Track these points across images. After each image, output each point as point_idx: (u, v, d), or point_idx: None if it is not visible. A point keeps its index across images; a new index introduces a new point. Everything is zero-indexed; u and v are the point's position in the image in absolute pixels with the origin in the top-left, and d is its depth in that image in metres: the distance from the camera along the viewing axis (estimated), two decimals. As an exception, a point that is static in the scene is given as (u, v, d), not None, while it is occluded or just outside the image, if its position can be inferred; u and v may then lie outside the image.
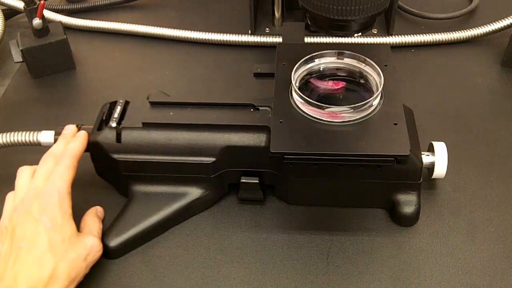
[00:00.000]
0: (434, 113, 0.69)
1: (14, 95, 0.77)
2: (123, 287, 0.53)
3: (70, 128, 0.58)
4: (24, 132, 0.60)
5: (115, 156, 0.56)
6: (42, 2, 0.73)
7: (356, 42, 0.79)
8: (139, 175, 0.58)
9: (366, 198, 0.58)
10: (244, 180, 0.57)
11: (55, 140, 0.58)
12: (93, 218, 0.56)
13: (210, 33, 0.83)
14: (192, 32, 0.83)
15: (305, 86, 0.57)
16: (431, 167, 0.57)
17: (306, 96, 0.53)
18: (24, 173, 0.54)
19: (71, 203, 0.52)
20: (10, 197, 0.53)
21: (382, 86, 0.53)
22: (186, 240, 0.57)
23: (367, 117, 0.52)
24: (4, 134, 0.61)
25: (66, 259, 0.49)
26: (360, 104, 0.52)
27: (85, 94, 0.77)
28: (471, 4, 0.87)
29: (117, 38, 0.86)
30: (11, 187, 0.54)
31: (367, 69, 0.57)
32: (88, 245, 0.52)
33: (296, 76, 0.56)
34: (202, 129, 0.56)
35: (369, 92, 0.56)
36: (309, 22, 0.65)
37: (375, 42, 0.80)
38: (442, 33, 0.80)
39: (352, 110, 0.52)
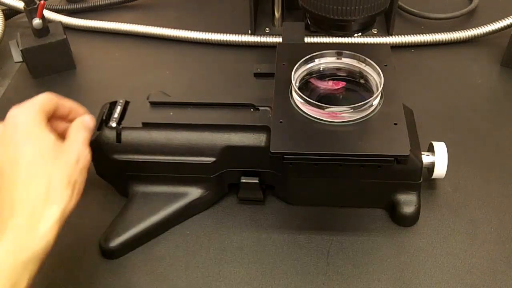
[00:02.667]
0: (434, 113, 0.69)
1: (14, 95, 0.77)
2: (123, 287, 0.53)
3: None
4: (24, 132, 0.60)
5: (115, 156, 0.56)
6: (42, 2, 0.73)
7: (356, 42, 0.79)
8: (139, 175, 0.58)
9: (366, 198, 0.58)
10: (244, 180, 0.57)
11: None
12: (76, 128, 0.51)
13: (210, 33, 0.83)
14: (192, 32, 0.83)
15: (305, 86, 0.57)
16: (431, 167, 0.57)
17: (306, 96, 0.53)
18: None
19: (45, 122, 0.48)
20: None
21: (382, 86, 0.53)
22: (186, 240, 0.57)
23: (367, 117, 0.52)
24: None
25: (58, 165, 0.46)
26: (360, 104, 0.52)
27: (85, 94, 0.77)
28: (471, 4, 0.87)
29: (117, 38, 0.86)
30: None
31: (367, 69, 0.57)
32: (74, 150, 0.48)
33: (296, 76, 0.56)
34: (202, 129, 0.56)
35: (369, 92, 0.56)
36: (309, 22, 0.65)
37: (375, 42, 0.80)
38: (442, 33, 0.80)
39: (352, 110, 0.52)
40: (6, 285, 0.40)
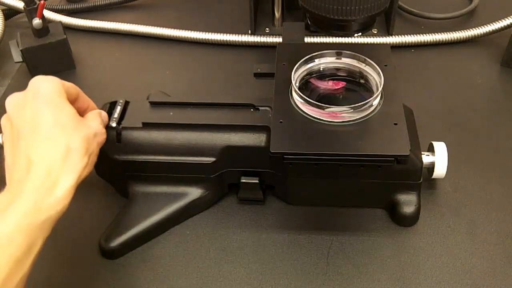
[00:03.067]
0: (434, 113, 0.69)
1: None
2: (123, 287, 0.53)
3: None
4: (24, 132, 0.60)
5: (115, 156, 0.56)
6: (42, 2, 0.73)
7: (356, 42, 0.79)
8: (139, 175, 0.58)
9: (366, 198, 0.58)
10: (244, 180, 0.57)
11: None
12: (95, 113, 0.53)
13: (210, 33, 0.83)
14: (192, 32, 0.83)
15: (305, 86, 0.57)
16: (431, 167, 0.57)
17: (306, 96, 0.53)
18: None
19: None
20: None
21: (382, 86, 0.53)
22: (186, 240, 0.57)
23: (367, 117, 0.52)
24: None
25: (77, 133, 0.47)
26: (360, 104, 0.52)
27: (85, 94, 0.77)
28: (471, 4, 0.87)
29: (117, 38, 0.86)
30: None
31: (367, 69, 0.57)
32: (93, 125, 0.50)
33: (296, 76, 0.56)
34: (202, 129, 0.56)
35: (369, 92, 0.56)
36: (309, 22, 0.65)
37: (375, 42, 0.80)
38: (442, 33, 0.80)
39: (352, 110, 0.52)
40: (23, 245, 0.41)
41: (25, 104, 0.47)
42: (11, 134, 0.47)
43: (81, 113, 0.52)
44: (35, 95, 0.47)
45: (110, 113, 0.58)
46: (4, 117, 0.49)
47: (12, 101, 0.49)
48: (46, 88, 0.48)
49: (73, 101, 0.51)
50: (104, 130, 0.52)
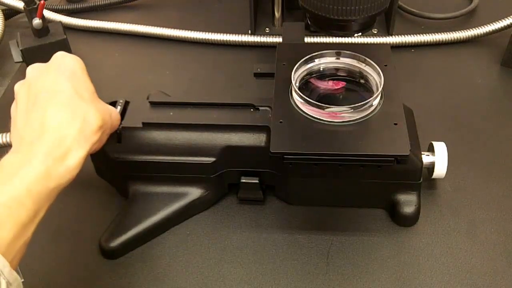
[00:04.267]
0: (434, 113, 0.69)
1: (14, 95, 0.77)
2: (123, 287, 0.53)
3: None
4: (24, 132, 0.60)
5: (115, 156, 0.56)
6: (42, 2, 0.73)
7: (356, 42, 0.79)
8: (139, 175, 0.58)
9: (366, 198, 0.58)
10: (244, 180, 0.57)
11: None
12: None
13: (210, 33, 0.83)
14: (192, 32, 0.83)
15: (305, 86, 0.57)
16: (431, 167, 0.57)
17: (306, 96, 0.53)
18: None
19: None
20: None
21: (382, 86, 0.53)
22: (186, 240, 0.57)
23: (367, 117, 0.52)
24: (4, 134, 0.61)
25: (95, 107, 0.47)
26: (360, 104, 0.52)
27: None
28: (471, 4, 0.87)
29: (117, 38, 0.86)
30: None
31: (367, 69, 0.57)
32: (109, 106, 0.51)
33: (296, 76, 0.56)
34: (202, 129, 0.56)
35: (369, 92, 0.56)
36: (309, 22, 0.65)
37: (375, 42, 0.80)
38: (442, 33, 0.80)
39: (352, 110, 0.52)
40: (31, 210, 0.41)
41: (47, 72, 0.48)
42: (27, 97, 0.47)
43: None
44: (58, 66, 0.48)
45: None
46: (20, 82, 0.49)
47: (34, 68, 0.49)
48: (69, 61, 0.49)
49: None
50: (119, 116, 0.54)
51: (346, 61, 0.58)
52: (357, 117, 0.52)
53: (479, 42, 0.81)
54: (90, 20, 0.87)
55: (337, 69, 0.59)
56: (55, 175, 0.43)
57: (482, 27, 0.79)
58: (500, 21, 0.78)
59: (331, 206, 0.59)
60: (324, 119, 0.52)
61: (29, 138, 0.44)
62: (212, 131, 0.56)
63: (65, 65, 0.49)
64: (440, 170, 0.57)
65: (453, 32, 0.80)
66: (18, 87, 0.49)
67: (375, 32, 0.81)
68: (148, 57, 0.83)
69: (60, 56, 0.50)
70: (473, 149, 0.65)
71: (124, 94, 0.61)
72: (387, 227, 0.57)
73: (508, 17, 0.78)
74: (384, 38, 0.80)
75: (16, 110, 0.47)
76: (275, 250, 0.56)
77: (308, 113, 0.53)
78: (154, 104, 0.59)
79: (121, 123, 0.57)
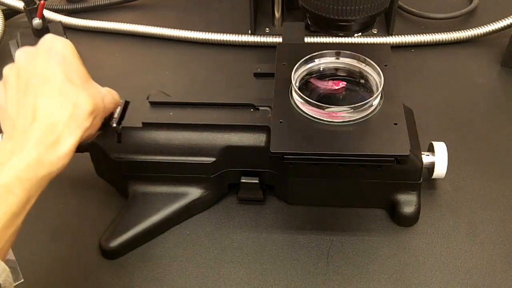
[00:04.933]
0: (434, 113, 0.69)
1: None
2: (123, 287, 0.53)
3: None
4: (24, 132, 0.60)
5: (115, 156, 0.56)
6: (42, 2, 0.73)
7: (356, 42, 0.79)
8: (139, 175, 0.58)
9: (366, 198, 0.58)
10: (244, 180, 0.57)
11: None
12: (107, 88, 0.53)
13: (210, 33, 0.83)
14: (192, 32, 0.83)
15: (305, 86, 0.57)
16: (431, 167, 0.57)
17: (306, 96, 0.53)
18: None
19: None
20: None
21: (382, 86, 0.53)
22: (186, 240, 0.57)
23: (367, 117, 0.52)
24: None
25: (86, 92, 0.46)
26: (360, 104, 0.52)
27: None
28: (471, 4, 0.87)
29: (117, 38, 0.86)
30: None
31: (367, 69, 0.57)
32: (102, 89, 0.50)
33: (296, 76, 0.56)
34: (202, 129, 0.56)
35: (369, 92, 0.56)
36: (309, 22, 0.65)
37: (375, 42, 0.80)
38: (442, 33, 0.80)
39: (352, 110, 0.52)
40: (21, 198, 0.41)
41: (37, 57, 0.46)
42: (17, 83, 0.46)
43: None
44: (49, 50, 0.47)
45: (110, 113, 0.58)
46: (9, 66, 0.48)
47: (23, 52, 0.48)
48: (60, 45, 0.48)
49: None
50: (114, 98, 0.52)
51: (346, 61, 0.58)
52: (357, 117, 0.52)
53: (479, 42, 0.81)
54: (90, 20, 0.87)
55: (337, 69, 0.59)
56: (47, 162, 0.42)
57: (482, 27, 0.79)
58: (500, 21, 0.78)
59: (331, 206, 0.59)
60: (324, 119, 0.52)
61: (21, 126, 0.43)
62: (212, 131, 0.56)
63: (55, 49, 0.47)
64: (440, 170, 0.57)
65: (453, 32, 0.80)
66: (7, 71, 0.47)
67: (375, 32, 0.81)
68: (148, 57, 0.83)
69: (49, 40, 0.48)
70: (473, 149, 0.65)
71: (124, 94, 0.61)
72: (387, 227, 0.57)
73: (508, 17, 0.78)
74: (384, 38, 0.80)
75: (6, 96, 0.46)
76: (275, 250, 0.56)
77: (308, 113, 0.53)
78: (154, 104, 0.59)
79: (121, 124, 0.57)
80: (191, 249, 0.56)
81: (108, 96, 0.51)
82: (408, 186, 0.56)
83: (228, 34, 0.82)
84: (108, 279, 0.54)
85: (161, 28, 0.84)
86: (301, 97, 0.53)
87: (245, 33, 0.82)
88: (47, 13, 0.86)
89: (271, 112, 0.55)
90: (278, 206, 0.60)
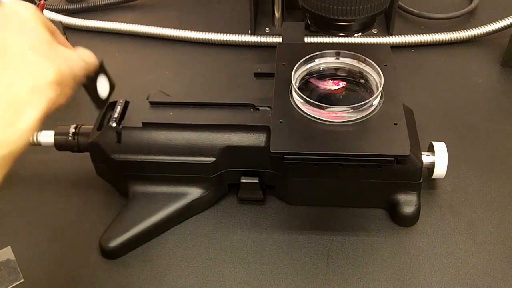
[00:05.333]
0: (434, 113, 0.69)
1: None
2: (123, 287, 0.53)
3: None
4: (24, 132, 0.60)
5: (115, 156, 0.56)
6: (42, 2, 0.73)
7: (356, 42, 0.79)
8: (139, 175, 0.58)
9: (366, 198, 0.58)
10: (244, 180, 0.57)
11: (55, 140, 0.58)
12: (72, 48, 0.47)
13: (210, 33, 0.83)
14: (192, 32, 0.83)
15: (305, 86, 0.57)
16: (431, 167, 0.57)
17: (306, 96, 0.53)
18: None
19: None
20: None
21: (382, 86, 0.53)
22: (186, 240, 0.57)
23: (367, 117, 0.52)
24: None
25: (49, 61, 0.41)
26: (360, 104, 0.52)
27: (85, 94, 0.77)
28: (471, 4, 0.87)
29: (117, 38, 0.86)
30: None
31: (367, 69, 0.57)
32: (69, 55, 0.43)
33: (296, 76, 0.56)
34: (202, 129, 0.56)
35: (369, 92, 0.56)
36: (309, 22, 0.65)
37: (375, 42, 0.80)
38: (442, 33, 0.80)
39: (352, 110, 0.52)
40: None
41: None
42: None
43: None
44: (7, 19, 0.42)
45: (110, 113, 0.58)
46: None
47: None
48: (19, 11, 0.42)
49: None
50: (84, 64, 0.46)
51: (346, 61, 0.58)
52: (357, 117, 0.52)
53: (479, 42, 0.81)
54: (90, 20, 0.87)
55: (337, 69, 0.59)
56: (8, 141, 0.38)
57: (482, 27, 0.79)
58: (500, 21, 0.78)
59: (331, 206, 0.59)
60: (324, 119, 0.52)
61: None
62: (212, 131, 0.56)
63: (15, 16, 0.42)
64: (440, 170, 0.57)
65: (453, 32, 0.80)
66: None
67: (375, 32, 0.81)
68: (148, 57, 0.83)
69: (8, 6, 0.43)
70: (473, 149, 0.65)
71: (124, 94, 0.61)
72: (387, 227, 0.57)
73: (508, 17, 0.78)
74: (384, 38, 0.80)
75: None
76: (275, 250, 0.56)
77: (308, 113, 0.53)
78: (154, 104, 0.59)
79: (121, 124, 0.57)
80: (191, 249, 0.56)
81: (77, 61, 0.45)
82: (408, 186, 0.56)
83: (228, 34, 0.82)
84: (108, 279, 0.54)
85: (161, 28, 0.84)
86: (301, 97, 0.53)
87: (245, 33, 0.82)
88: (47, 13, 0.86)
89: (271, 112, 0.55)
90: (278, 206, 0.60)
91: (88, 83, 0.49)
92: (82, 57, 0.47)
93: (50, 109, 0.41)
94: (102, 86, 0.53)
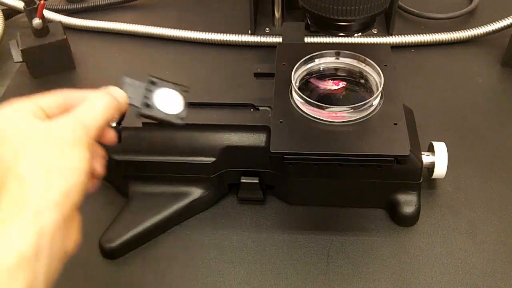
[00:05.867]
0: (434, 113, 0.69)
1: (14, 95, 0.76)
2: (123, 287, 0.53)
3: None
4: (24, 132, 0.60)
5: (115, 156, 0.56)
6: (42, 2, 0.73)
7: (356, 42, 0.79)
8: (139, 175, 0.58)
9: (366, 198, 0.58)
10: (244, 180, 0.57)
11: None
12: (96, 95, 0.42)
13: (210, 33, 0.82)
14: (192, 32, 0.83)
15: (305, 86, 0.57)
16: (431, 167, 0.57)
17: (306, 96, 0.53)
18: None
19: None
20: None
21: (382, 86, 0.53)
22: (186, 240, 0.57)
23: (367, 117, 0.52)
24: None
25: (66, 156, 0.37)
26: (360, 104, 0.52)
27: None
28: (471, 4, 0.87)
29: (117, 38, 0.86)
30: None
31: (367, 69, 0.57)
32: (82, 122, 0.38)
33: (296, 76, 0.56)
34: (202, 129, 0.56)
35: (369, 92, 0.56)
36: (309, 22, 0.65)
37: (375, 42, 0.80)
38: (442, 33, 0.80)
39: (352, 110, 0.52)
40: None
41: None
42: None
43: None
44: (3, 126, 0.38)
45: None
46: None
47: None
48: (9, 115, 0.39)
49: (58, 110, 0.41)
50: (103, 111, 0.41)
51: (346, 61, 0.58)
52: (357, 117, 0.52)
53: (479, 42, 0.81)
54: (90, 20, 0.87)
55: (337, 69, 0.59)
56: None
57: (482, 27, 0.79)
58: (500, 21, 0.78)
59: (331, 206, 0.59)
60: (324, 119, 0.52)
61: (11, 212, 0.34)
62: (212, 131, 0.56)
63: (5, 121, 0.38)
64: (440, 170, 0.57)
65: (453, 32, 0.80)
66: None
67: (375, 32, 0.81)
68: (148, 57, 0.83)
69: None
70: (473, 149, 0.65)
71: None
72: (387, 227, 0.57)
73: (508, 17, 0.78)
74: (384, 38, 0.80)
75: None
76: (275, 250, 0.56)
77: (308, 113, 0.53)
78: (154, 104, 0.59)
79: (121, 124, 0.57)
80: (191, 249, 0.56)
81: (92, 119, 0.40)
82: (408, 186, 0.56)
83: (228, 34, 0.82)
84: (108, 279, 0.54)
85: (161, 28, 0.84)
86: (301, 97, 0.53)
87: (245, 33, 0.82)
88: (47, 13, 0.86)
89: (271, 112, 0.55)
90: (278, 206, 0.60)
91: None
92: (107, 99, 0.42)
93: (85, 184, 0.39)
94: (166, 101, 0.47)
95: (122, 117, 0.57)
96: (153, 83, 0.47)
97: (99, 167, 0.43)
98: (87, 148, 0.38)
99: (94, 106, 0.41)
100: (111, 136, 0.44)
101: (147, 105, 0.46)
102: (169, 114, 0.46)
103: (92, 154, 0.39)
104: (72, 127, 0.38)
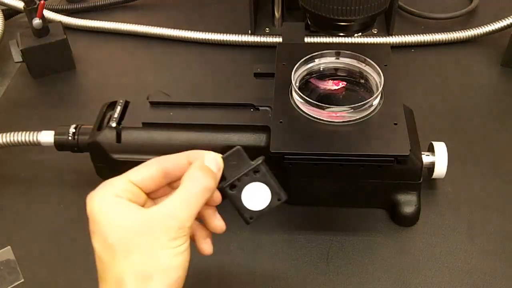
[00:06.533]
0: (434, 113, 0.69)
1: (14, 95, 0.77)
2: (123, 287, 0.53)
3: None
4: (24, 132, 0.60)
5: (115, 156, 0.56)
6: (42, 2, 0.73)
7: (356, 42, 0.79)
8: (139, 175, 0.58)
9: (366, 198, 0.58)
10: (244, 180, 0.57)
11: (55, 140, 0.58)
12: (190, 175, 0.40)
13: (210, 33, 0.83)
14: (192, 32, 0.83)
15: (305, 86, 0.57)
16: (431, 167, 0.57)
17: (306, 96, 0.53)
18: None
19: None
20: None
21: (382, 86, 0.53)
22: (186, 240, 0.57)
23: (367, 117, 0.52)
24: (4, 134, 0.61)
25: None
26: (360, 104, 0.52)
27: (85, 94, 0.77)
28: (471, 4, 0.87)
29: (117, 38, 0.86)
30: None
31: (367, 69, 0.57)
32: (170, 219, 0.38)
33: (296, 76, 0.56)
34: (202, 129, 0.56)
35: (369, 92, 0.56)
36: (309, 22, 0.65)
37: (375, 42, 0.80)
38: (442, 33, 0.80)
39: (352, 110, 0.52)
40: None
41: (92, 228, 0.41)
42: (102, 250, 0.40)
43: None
44: (91, 215, 0.41)
45: (110, 113, 0.58)
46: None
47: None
48: (95, 204, 0.41)
49: (154, 184, 0.41)
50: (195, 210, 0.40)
51: (346, 61, 0.58)
52: (357, 117, 0.52)
53: (479, 42, 0.81)
54: (90, 20, 0.87)
55: (337, 69, 0.59)
56: None
57: (482, 27, 0.79)
58: (500, 21, 0.78)
59: (331, 206, 0.59)
60: (324, 119, 0.52)
61: None
62: (212, 131, 0.56)
63: (93, 210, 0.41)
64: (440, 170, 0.57)
65: (453, 32, 0.80)
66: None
67: (375, 32, 0.81)
68: (148, 57, 0.83)
69: (88, 200, 0.42)
70: (473, 149, 0.65)
71: (124, 94, 0.61)
72: (387, 227, 0.57)
73: (508, 17, 0.78)
74: (384, 38, 0.80)
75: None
76: (275, 250, 0.56)
77: (308, 113, 0.53)
78: (154, 104, 0.59)
79: (121, 124, 0.57)
80: (191, 249, 0.56)
81: (185, 215, 0.39)
82: (408, 186, 0.56)
83: (228, 34, 0.82)
84: (108, 279, 0.54)
85: (161, 28, 0.84)
86: (301, 97, 0.53)
87: (245, 33, 0.82)
88: (47, 13, 0.86)
89: (271, 112, 0.55)
90: (278, 206, 0.60)
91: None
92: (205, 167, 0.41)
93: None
94: (253, 194, 0.44)
95: (122, 117, 0.58)
96: (256, 171, 0.44)
97: (207, 248, 0.44)
98: (185, 240, 0.39)
99: (189, 196, 0.39)
100: (215, 200, 0.44)
101: (233, 186, 0.44)
102: (246, 208, 0.45)
103: (190, 241, 0.40)
104: (167, 228, 0.38)
